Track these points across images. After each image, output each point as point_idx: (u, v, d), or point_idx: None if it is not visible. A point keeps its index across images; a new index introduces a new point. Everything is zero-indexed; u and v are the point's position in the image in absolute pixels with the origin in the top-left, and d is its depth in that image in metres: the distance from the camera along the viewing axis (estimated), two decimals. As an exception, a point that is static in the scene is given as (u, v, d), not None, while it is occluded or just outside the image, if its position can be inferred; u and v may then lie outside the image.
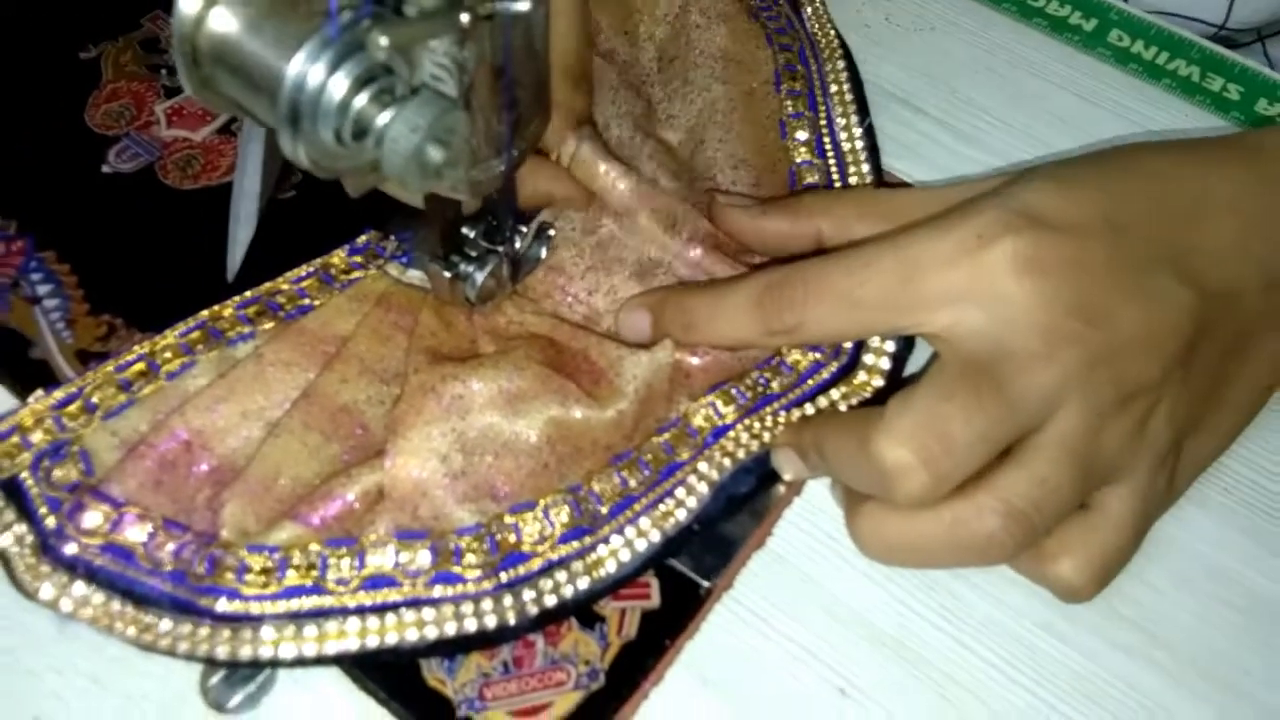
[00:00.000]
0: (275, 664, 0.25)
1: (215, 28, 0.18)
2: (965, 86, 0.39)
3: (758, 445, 0.29)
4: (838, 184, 0.34)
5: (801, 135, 0.35)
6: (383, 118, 0.18)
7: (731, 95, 0.35)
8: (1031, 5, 0.42)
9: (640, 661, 0.27)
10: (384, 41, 0.17)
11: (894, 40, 0.40)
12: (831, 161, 0.34)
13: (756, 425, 0.29)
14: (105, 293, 0.32)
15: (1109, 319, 0.25)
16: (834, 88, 0.35)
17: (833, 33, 0.37)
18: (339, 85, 0.18)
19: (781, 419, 0.29)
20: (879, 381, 0.30)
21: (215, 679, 0.26)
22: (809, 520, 0.29)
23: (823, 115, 0.35)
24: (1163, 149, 0.29)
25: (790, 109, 0.35)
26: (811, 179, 0.34)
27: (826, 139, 0.34)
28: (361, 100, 0.18)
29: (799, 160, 0.34)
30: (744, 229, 0.32)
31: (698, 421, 0.29)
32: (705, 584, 0.28)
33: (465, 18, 0.21)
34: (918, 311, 0.26)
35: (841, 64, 0.36)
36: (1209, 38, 0.50)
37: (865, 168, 0.34)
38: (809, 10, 0.38)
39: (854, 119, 0.35)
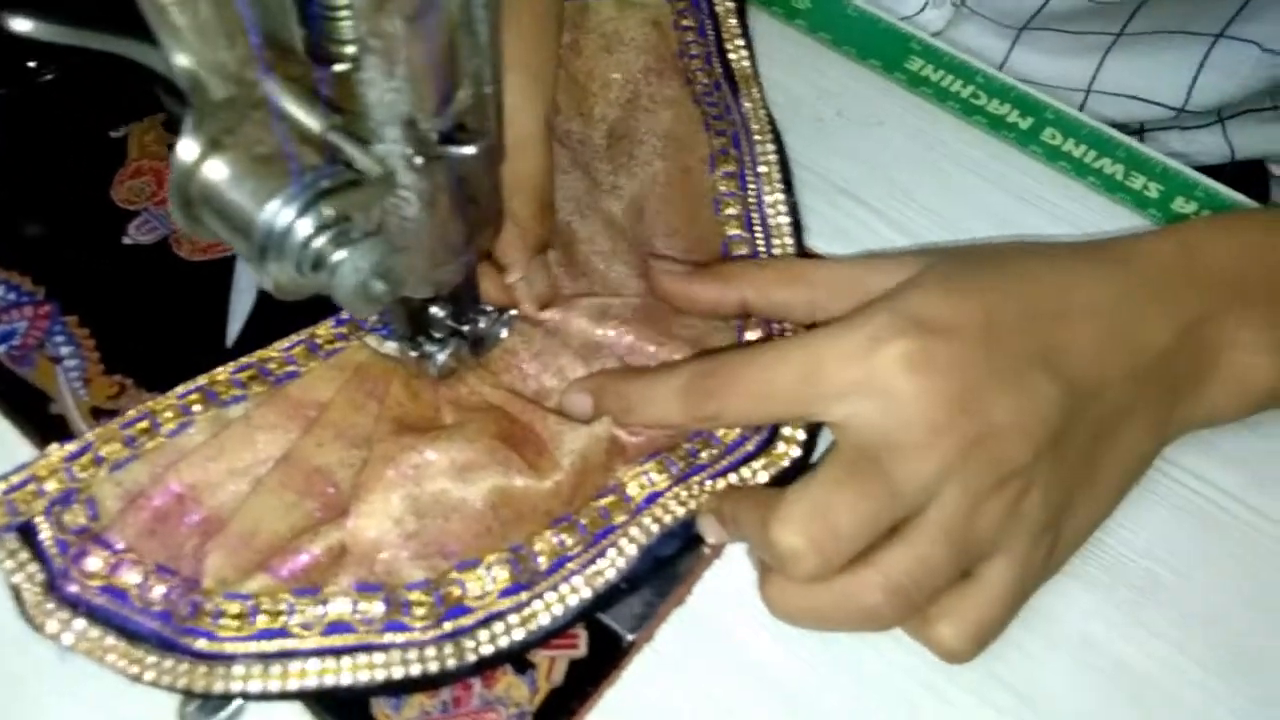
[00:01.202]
0: (244, 696, 0.29)
1: (207, 176, 0.21)
2: (904, 179, 0.42)
3: (684, 512, 0.32)
4: (764, 255, 0.37)
5: (732, 211, 0.38)
6: (337, 256, 0.21)
7: (670, 170, 0.38)
8: (973, 103, 0.45)
9: (565, 706, 0.29)
10: (328, 213, 0.20)
11: (844, 134, 0.43)
12: (759, 235, 0.38)
13: (684, 494, 0.32)
14: (119, 355, 0.36)
15: (984, 411, 0.28)
16: (763, 169, 0.39)
17: (765, 117, 0.40)
18: (304, 228, 0.21)
19: (708, 487, 0.32)
20: (796, 452, 0.33)
21: (191, 707, 0.29)
22: (725, 581, 0.32)
23: (752, 194, 0.38)
24: (1040, 254, 0.32)
25: (723, 188, 0.38)
26: (741, 251, 0.37)
27: (755, 215, 0.38)
28: (321, 241, 0.21)
29: (730, 234, 0.38)
30: (676, 293, 0.35)
31: (633, 489, 0.32)
32: (629, 637, 0.31)
33: (420, 160, 0.24)
34: (820, 403, 0.29)
35: (771, 148, 0.39)
36: (1169, 120, 0.52)
37: (789, 241, 0.38)
38: (745, 97, 0.41)
39: (780, 197, 0.38)
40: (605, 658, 0.31)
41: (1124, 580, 0.33)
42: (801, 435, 0.33)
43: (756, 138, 0.39)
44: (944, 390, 0.28)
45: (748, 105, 0.40)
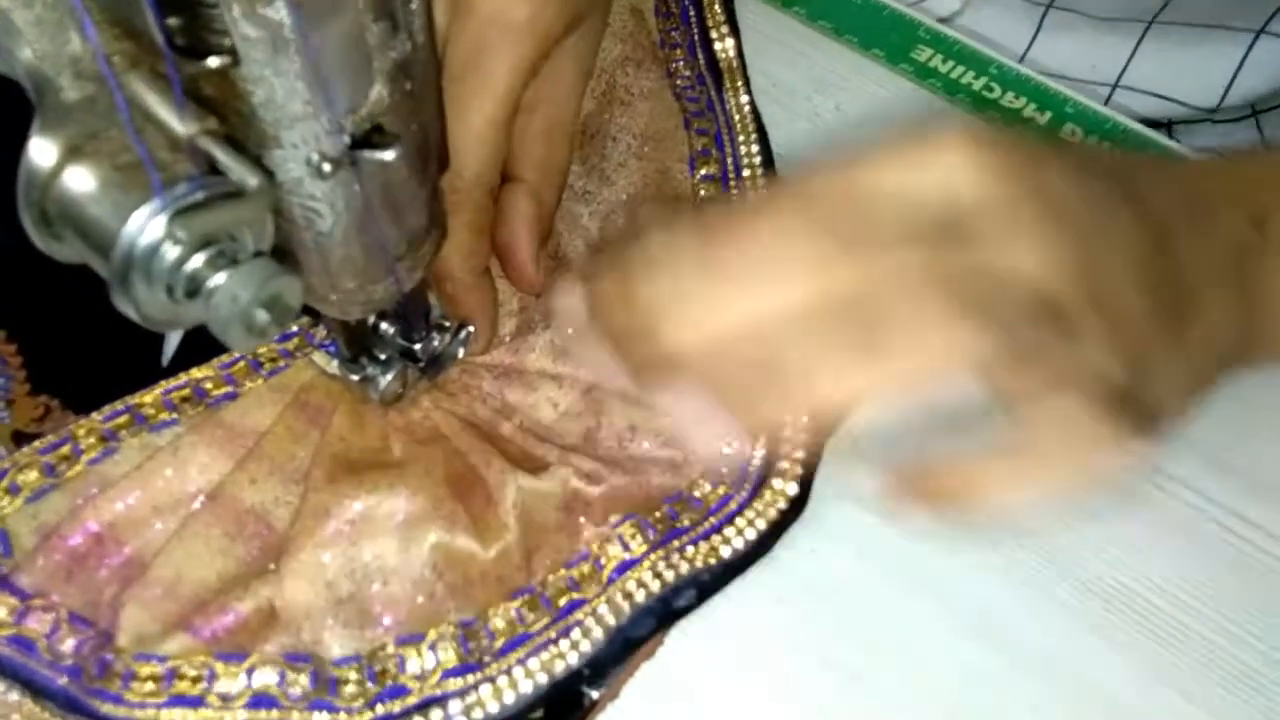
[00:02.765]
0: (153, 767, 0.25)
1: (66, 187, 0.18)
2: (909, 180, 0.38)
3: (660, 585, 0.28)
4: None
5: None
6: (215, 280, 0.18)
7: (646, 172, 0.35)
8: (986, 97, 0.41)
9: (515, 776, 0.26)
10: (183, 235, 0.17)
11: (843, 130, 0.40)
12: None
13: (661, 563, 0.28)
14: (46, 374, 0.32)
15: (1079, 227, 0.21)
16: (746, 171, 0.35)
17: (750, 114, 0.36)
18: (173, 247, 0.18)
19: (689, 554, 0.28)
20: (783, 504, 0.29)
21: (99, 776, 0.26)
22: (702, 633, 0.29)
23: (735, 199, 0.34)
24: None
25: (704, 191, 0.35)
26: None
27: None
28: (197, 262, 0.18)
29: None
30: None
31: (605, 558, 0.28)
32: (592, 694, 0.28)
33: (328, 167, 0.21)
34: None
35: (756, 149, 0.35)
36: (1200, 118, 0.48)
37: None
38: (729, 92, 0.37)
39: None
40: (564, 718, 0.27)
41: (1152, 633, 0.29)
42: (793, 489, 0.29)
43: (740, 137, 0.35)
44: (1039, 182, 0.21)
45: (731, 101, 0.36)
